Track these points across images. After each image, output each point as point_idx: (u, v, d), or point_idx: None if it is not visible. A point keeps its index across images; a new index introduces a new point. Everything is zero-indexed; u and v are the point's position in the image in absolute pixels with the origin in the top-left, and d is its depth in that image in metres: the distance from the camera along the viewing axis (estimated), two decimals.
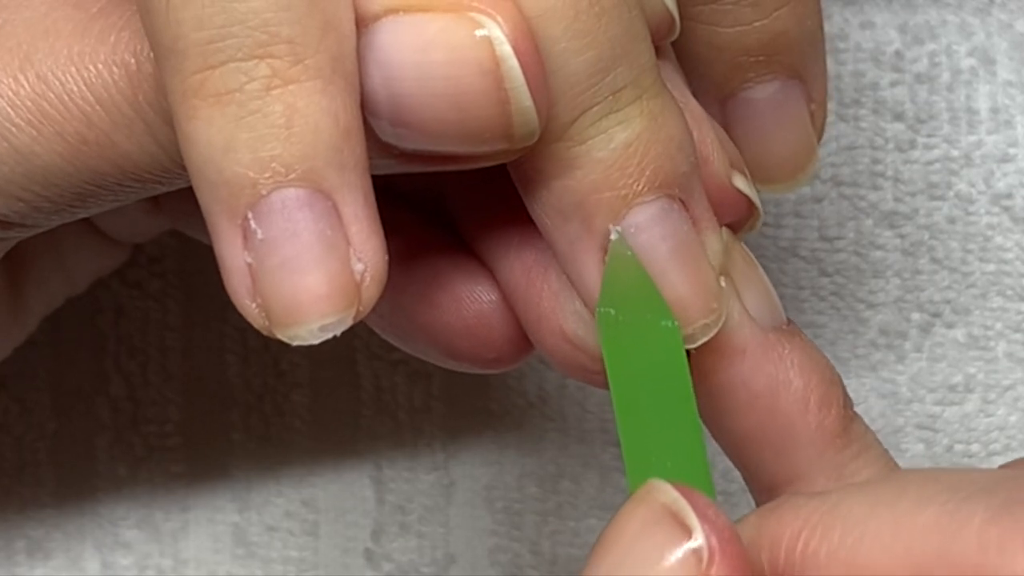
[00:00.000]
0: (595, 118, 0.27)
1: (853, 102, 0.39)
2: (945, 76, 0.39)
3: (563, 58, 0.27)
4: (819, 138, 0.33)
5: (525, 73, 0.26)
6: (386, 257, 0.27)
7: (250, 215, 0.26)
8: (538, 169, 0.28)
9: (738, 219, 0.30)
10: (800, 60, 0.32)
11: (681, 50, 0.32)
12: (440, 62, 0.26)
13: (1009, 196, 0.39)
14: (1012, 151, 0.39)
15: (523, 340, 0.31)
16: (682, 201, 0.28)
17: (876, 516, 0.26)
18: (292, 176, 0.26)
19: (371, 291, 0.27)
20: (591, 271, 0.28)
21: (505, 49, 0.26)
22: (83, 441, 0.41)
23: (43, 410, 0.41)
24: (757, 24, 0.31)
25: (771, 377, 0.29)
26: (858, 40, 0.39)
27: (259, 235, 0.26)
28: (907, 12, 0.39)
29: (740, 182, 0.30)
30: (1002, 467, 0.29)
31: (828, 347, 0.40)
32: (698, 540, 0.26)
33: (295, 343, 0.26)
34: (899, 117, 0.39)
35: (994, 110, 0.39)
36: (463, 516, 0.40)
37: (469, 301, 0.31)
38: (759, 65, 0.31)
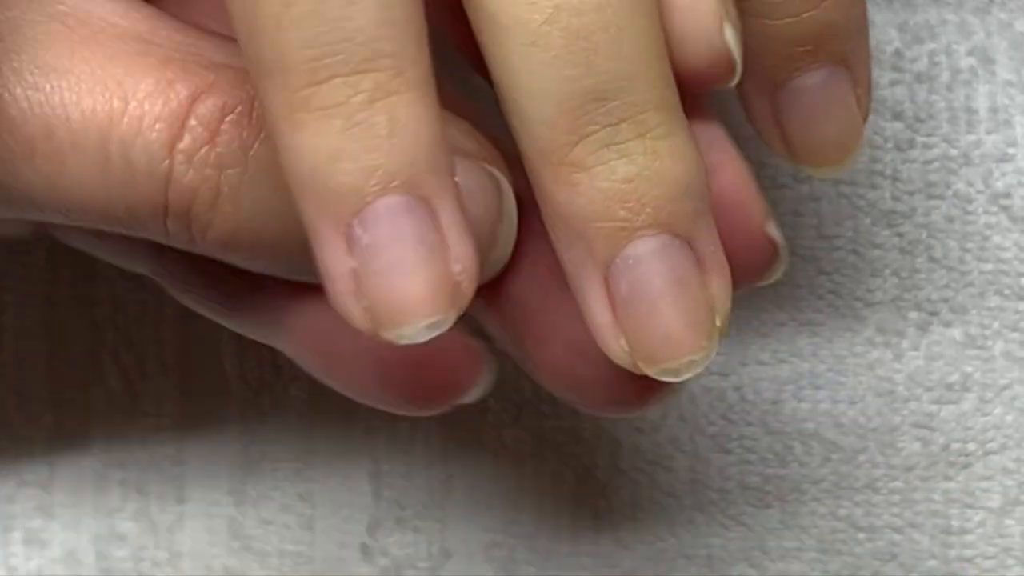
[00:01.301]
0: (594, 146, 0.28)
1: None
2: (944, 75, 0.39)
3: (555, 83, 0.28)
4: (864, 121, 0.33)
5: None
6: (478, 258, 0.28)
7: (355, 222, 0.27)
8: (548, 190, 0.29)
9: (762, 267, 0.31)
10: (847, 47, 0.32)
11: None
12: None
13: (1007, 196, 0.39)
14: (1011, 151, 0.39)
15: (457, 381, 0.32)
16: (688, 240, 0.29)
17: None
18: (395, 183, 0.27)
19: (468, 291, 0.28)
20: (593, 297, 0.29)
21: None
22: (79, 434, 0.41)
23: (40, 402, 0.41)
24: (807, 15, 0.31)
25: None
26: None
27: (364, 240, 0.27)
28: (907, 11, 0.39)
29: (772, 229, 0.31)
30: None
31: (825, 345, 0.40)
32: None
33: (402, 342, 0.27)
34: (898, 116, 0.39)
35: (993, 110, 0.39)
36: (459, 512, 0.40)
37: None
38: (808, 55, 0.32)
